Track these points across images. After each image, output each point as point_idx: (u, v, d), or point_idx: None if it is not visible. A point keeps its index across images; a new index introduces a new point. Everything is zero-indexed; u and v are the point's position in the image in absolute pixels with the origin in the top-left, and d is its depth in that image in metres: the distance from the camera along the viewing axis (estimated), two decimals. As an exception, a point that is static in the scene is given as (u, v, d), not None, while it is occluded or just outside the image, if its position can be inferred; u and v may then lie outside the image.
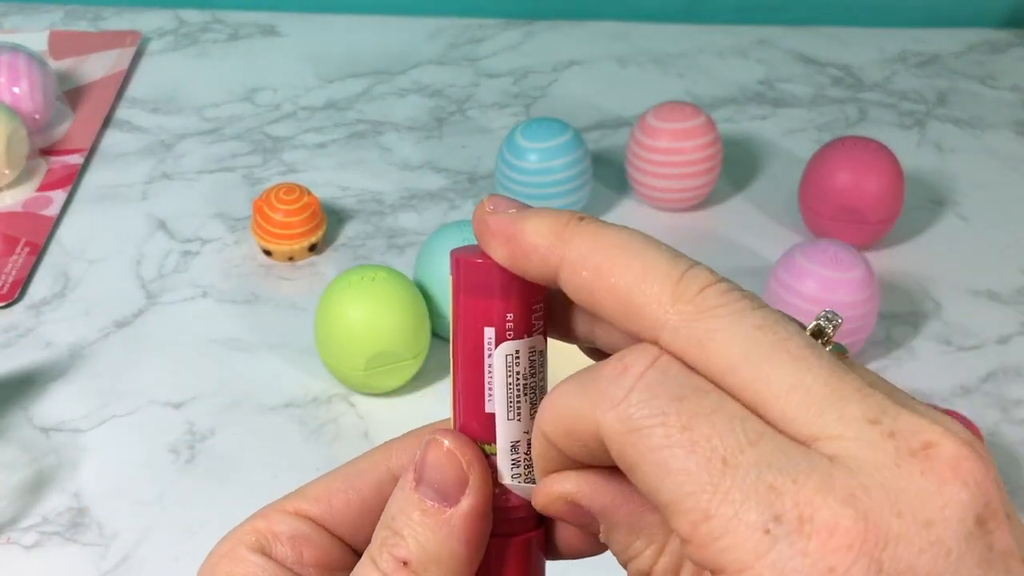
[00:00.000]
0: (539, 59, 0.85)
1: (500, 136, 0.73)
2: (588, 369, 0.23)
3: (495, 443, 0.25)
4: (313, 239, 0.65)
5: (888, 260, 0.66)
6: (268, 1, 0.90)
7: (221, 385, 0.58)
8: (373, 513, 0.27)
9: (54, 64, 0.82)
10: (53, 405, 0.57)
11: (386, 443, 0.28)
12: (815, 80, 0.83)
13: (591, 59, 0.85)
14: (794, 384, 0.20)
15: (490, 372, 0.25)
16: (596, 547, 0.27)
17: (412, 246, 0.67)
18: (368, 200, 0.71)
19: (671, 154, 0.66)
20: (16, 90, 0.73)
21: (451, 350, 0.25)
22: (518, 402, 0.25)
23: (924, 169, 0.73)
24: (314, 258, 0.66)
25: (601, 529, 0.25)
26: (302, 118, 0.78)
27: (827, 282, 0.56)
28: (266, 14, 0.89)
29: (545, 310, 0.25)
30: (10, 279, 0.64)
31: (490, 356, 0.25)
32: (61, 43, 0.85)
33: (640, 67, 0.84)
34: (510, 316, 0.24)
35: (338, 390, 0.58)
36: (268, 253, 0.66)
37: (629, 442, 0.21)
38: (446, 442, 0.25)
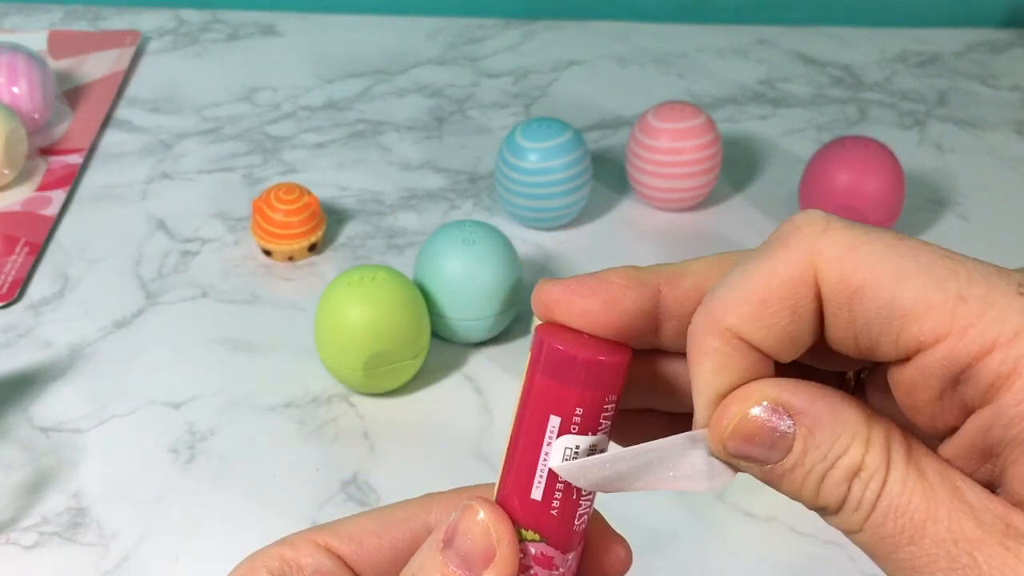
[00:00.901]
0: (539, 59, 0.85)
1: (500, 136, 0.73)
2: (754, 251, 0.23)
3: (531, 530, 0.25)
4: (313, 239, 0.65)
5: (888, 260, 0.66)
6: (268, 1, 0.90)
7: (221, 385, 0.58)
8: (401, 562, 0.27)
9: (53, 64, 0.82)
10: (53, 405, 0.57)
11: (429, 495, 0.28)
12: (815, 80, 0.83)
13: (591, 59, 0.85)
14: None
15: (545, 460, 0.24)
16: None
17: (412, 246, 0.67)
18: (368, 200, 0.71)
19: (671, 154, 0.66)
20: (15, 90, 0.73)
21: (513, 419, 0.25)
22: (566, 494, 0.25)
23: (924, 169, 0.73)
24: (314, 258, 0.66)
25: (798, 434, 0.22)
26: (302, 118, 0.78)
27: (827, 282, 0.55)
28: (266, 14, 0.89)
29: (616, 411, 0.25)
30: (9, 279, 0.64)
31: (549, 444, 0.24)
32: (60, 43, 0.85)
33: (640, 67, 0.84)
34: (579, 411, 0.24)
35: (338, 390, 0.58)
36: (268, 253, 0.66)
37: (852, 262, 0.22)
38: (482, 512, 0.25)
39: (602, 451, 0.25)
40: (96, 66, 0.82)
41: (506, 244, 0.59)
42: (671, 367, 0.27)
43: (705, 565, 0.49)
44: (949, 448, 0.23)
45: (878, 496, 0.22)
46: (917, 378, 0.22)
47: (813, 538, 0.51)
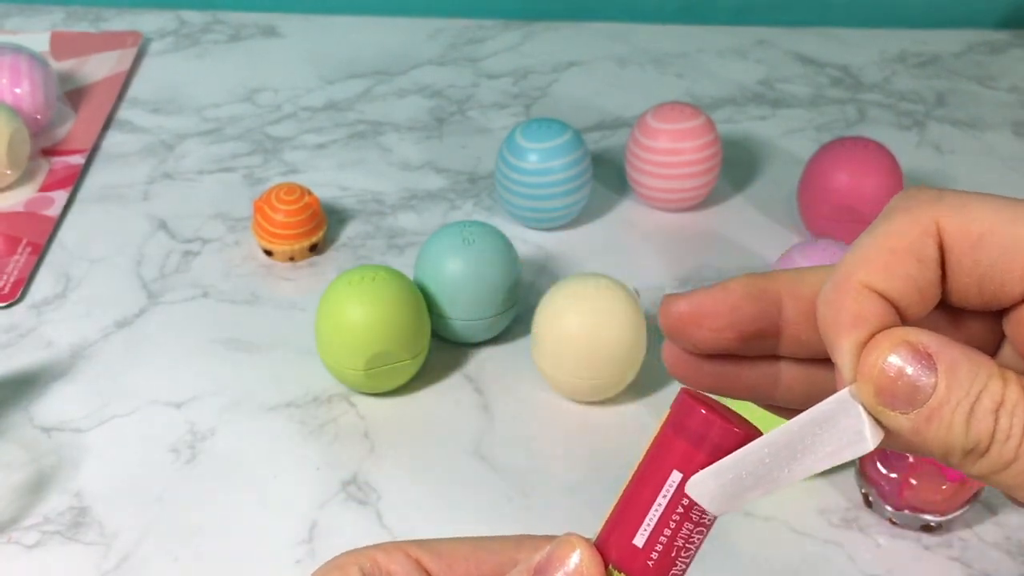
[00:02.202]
0: (539, 60, 0.85)
1: (500, 136, 0.73)
2: (874, 222, 0.25)
3: (623, 572, 0.25)
4: (314, 239, 0.66)
5: (887, 260, 0.66)
6: (269, 2, 0.90)
7: (222, 385, 0.58)
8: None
9: (55, 65, 0.82)
10: (54, 405, 0.57)
11: (525, 534, 0.29)
12: (814, 80, 0.83)
13: (591, 60, 0.85)
14: None
15: (657, 510, 0.25)
16: None
17: (412, 246, 0.67)
18: (368, 200, 0.71)
19: (671, 154, 0.66)
20: (18, 91, 0.73)
21: (636, 467, 0.26)
22: (666, 549, 0.25)
23: (923, 169, 0.73)
24: (314, 258, 0.66)
25: (941, 372, 0.23)
26: (302, 118, 0.79)
27: (826, 282, 0.56)
28: (267, 15, 0.90)
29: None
30: (12, 279, 0.64)
31: (666, 497, 0.25)
32: (62, 44, 0.85)
33: (640, 67, 0.84)
34: (700, 474, 0.25)
35: (338, 390, 0.58)
36: (269, 253, 0.66)
37: (970, 213, 0.24)
38: (579, 550, 0.25)
39: (711, 520, 0.26)
40: (98, 67, 0.83)
41: (506, 244, 0.59)
42: (791, 373, 0.28)
43: (704, 564, 0.49)
44: None
45: None
46: None
47: (813, 538, 0.51)
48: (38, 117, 0.75)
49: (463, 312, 0.58)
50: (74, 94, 0.80)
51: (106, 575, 0.49)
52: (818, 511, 0.52)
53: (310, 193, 0.65)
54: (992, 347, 0.27)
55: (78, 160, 0.74)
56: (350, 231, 0.69)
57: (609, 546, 0.26)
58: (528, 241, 0.67)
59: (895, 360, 0.23)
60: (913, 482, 0.49)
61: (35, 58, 0.75)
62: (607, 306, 0.54)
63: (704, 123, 0.67)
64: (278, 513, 0.52)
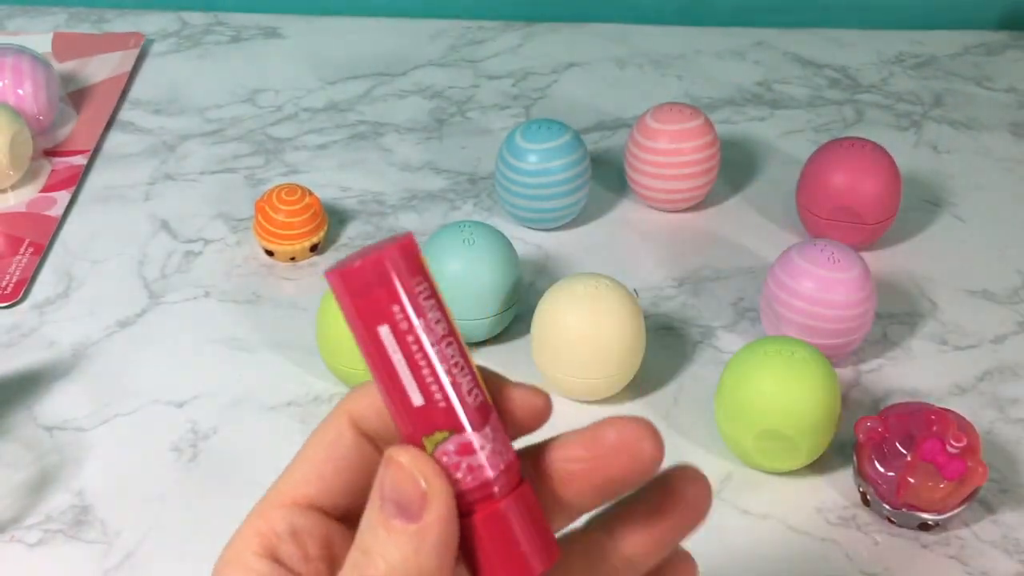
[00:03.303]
0: (539, 61, 0.85)
1: (500, 137, 0.73)
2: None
3: (435, 432, 0.25)
4: (315, 239, 0.66)
5: (885, 260, 0.66)
6: (270, 3, 0.90)
7: (223, 384, 0.59)
8: (360, 476, 0.27)
9: (58, 66, 0.82)
10: (56, 404, 0.57)
11: (339, 405, 0.28)
12: (812, 81, 0.83)
13: (590, 61, 0.85)
14: None
15: (402, 367, 0.25)
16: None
17: (413, 246, 0.67)
18: (369, 201, 0.71)
19: (670, 155, 0.66)
20: (20, 92, 0.74)
21: (364, 362, 0.25)
22: (441, 383, 0.25)
23: (921, 170, 0.74)
24: (316, 258, 0.67)
25: None
26: (303, 119, 0.79)
27: (824, 282, 0.56)
28: (268, 16, 0.90)
29: (431, 286, 0.25)
30: (14, 279, 0.65)
31: (395, 351, 0.25)
32: (65, 45, 0.85)
33: (639, 69, 0.85)
34: (395, 307, 0.25)
35: (339, 389, 0.58)
36: (270, 253, 0.66)
37: None
38: (402, 460, 0.25)
39: (436, 322, 0.25)
40: (100, 68, 0.83)
41: (506, 244, 0.60)
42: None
43: (702, 563, 0.49)
44: None
45: None
46: None
47: (810, 536, 0.51)
48: (40, 118, 0.75)
49: (463, 312, 0.58)
50: (76, 95, 0.80)
51: (108, 574, 0.49)
52: (816, 509, 0.52)
53: (311, 193, 0.65)
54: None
55: (80, 161, 0.74)
56: (351, 231, 0.69)
57: (407, 428, 0.25)
58: (528, 241, 0.68)
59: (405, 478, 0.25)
60: (911, 480, 0.49)
61: (37, 59, 0.76)
62: (607, 306, 0.54)
63: (703, 124, 0.67)
64: (279, 511, 0.52)
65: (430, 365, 0.25)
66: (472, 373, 0.26)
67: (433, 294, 0.25)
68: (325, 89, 0.82)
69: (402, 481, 0.25)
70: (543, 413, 0.28)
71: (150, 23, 0.89)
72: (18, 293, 0.64)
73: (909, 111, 0.80)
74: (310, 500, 0.27)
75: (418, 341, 0.25)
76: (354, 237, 0.68)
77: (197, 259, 0.67)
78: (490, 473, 0.25)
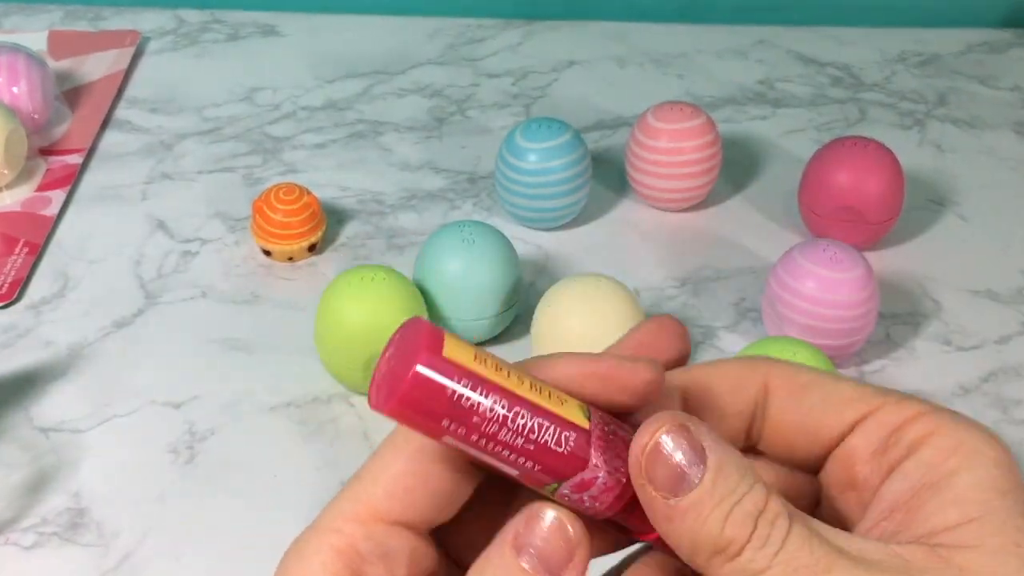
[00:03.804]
0: (539, 59, 0.85)
1: (500, 136, 0.73)
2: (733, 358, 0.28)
3: (551, 483, 0.25)
4: (313, 239, 0.65)
5: (888, 260, 0.66)
6: (268, 1, 0.90)
7: (221, 385, 0.58)
8: (448, 486, 0.26)
9: (53, 64, 0.82)
10: (53, 405, 0.57)
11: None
12: (815, 80, 0.83)
13: (590, 59, 0.85)
14: None
15: (479, 457, 0.25)
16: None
17: (412, 246, 0.67)
18: (368, 200, 0.71)
19: (671, 154, 0.66)
20: (15, 90, 0.73)
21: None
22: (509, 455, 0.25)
23: (924, 169, 0.73)
24: (314, 258, 0.66)
25: (709, 465, 0.24)
26: (302, 118, 0.78)
27: (826, 282, 0.56)
28: (266, 14, 0.89)
29: (469, 372, 0.25)
30: (9, 279, 0.64)
31: (468, 451, 0.25)
32: (60, 43, 0.85)
33: (639, 67, 0.84)
34: (445, 423, 0.24)
35: (338, 390, 0.58)
36: (268, 253, 0.66)
37: (799, 370, 0.27)
38: (549, 516, 0.24)
39: (502, 396, 0.25)
40: (96, 66, 0.82)
41: (506, 244, 0.59)
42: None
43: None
44: (872, 511, 0.25)
45: (785, 537, 0.23)
46: (855, 446, 0.26)
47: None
48: (35, 116, 0.74)
49: (463, 312, 0.58)
50: (72, 93, 0.80)
51: (105, 575, 0.49)
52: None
53: (309, 193, 0.65)
54: (810, 507, 0.28)
55: (76, 160, 0.74)
56: (349, 231, 0.68)
57: (526, 486, 0.25)
58: (528, 241, 0.67)
59: (667, 441, 0.24)
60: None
61: (33, 57, 0.75)
62: (607, 306, 0.54)
63: (704, 123, 0.66)
64: (278, 513, 0.51)
65: (505, 449, 0.25)
66: (554, 420, 0.25)
67: (477, 382, 0.25)
68: (323, 88, 0.82)
69: (553, 538, 0.24)
70: (650, 383, 0.26)
71: (147, 21, 0.88)
72: (13, 293, 0.63)
73: (912, 110, 0.79)
74: (396, 517, 0.26)
75: (482, 438, 0.24)
76: (352, 237, 0.68)
77: (194, 259, 0.66)
78: (614, 489, 0.25)
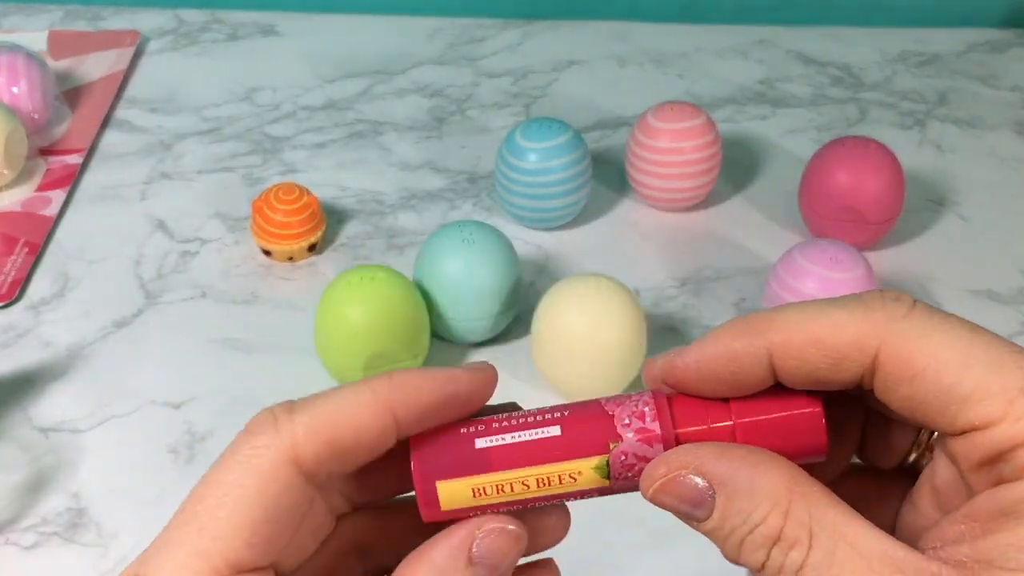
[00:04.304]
0: (539, 59, 0.85)
1: (500, 136, 0.73)
2: (837, 299, 0.25)
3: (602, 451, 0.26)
4: (313, 239, 0.65)
5: (888, 260, 0.66)
6: (267, 1, 0.90)
7: (220, 385, 0.58)
8: (308, 521, 0.27)
9: (53, 64, 0.82)
10: (52, 405, 0.57)
11: (270, 447, 0.26)
12: (815, 80, 0.83)
13: (591, 59, 0.85)
14: None
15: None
16: None
17: (412, 246, 0.67)
18: (368, 200, 0.71)
19: (671, 154, 0.66)
20: (15, 90, 0.73)
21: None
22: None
23: (924, 169, 0.73)
24: (314, 258, 0.66)
25: (718, 500, 0.25)
26: (301, 118, 0.78)
27: (827, 282, 0.55)
28: (265, 14, 0.89)
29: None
30: (9, 279, 0.64)
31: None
32: (60, 43, 0.85)
33: (640, 67, 0.84)
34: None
35: (338, 390, 0.57)
36: (267, 253, 0.65)
37: (920, 346, 0.24)
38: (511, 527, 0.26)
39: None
40: (96, 66, 0.82)
41: (506, 244, 0.59)
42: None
43: (704, 564, 0.48)
44: (964, 508, 0.24)
45: (801, 565, 0.23)
46: (962, 450, 0.24)
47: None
48: (35, 116, 0.74)
49: (463, 312, 0.58)
50: (72, 93, 0.80)
51: (104, 575, 0.49)
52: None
53: (309, 193, 0.65)
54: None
55: (76, 160, 0.74)
56: (349, 231, 0.68)
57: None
58: (528, 241, 0.67)
59: (681, 478, 0.25)
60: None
61: (32, 57, 0.75)
62: (607, 306, 0.54)
63: (704, 122, 0.66)
64: (277, 514, 0.51)
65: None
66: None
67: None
68: (323, 87, 0.81)
69: (504, 544, 0.26)
70: (560, 532, 0.28)
71: (146, 21, 0.88)
72: (13, 293, 0.63)
73: (913, 110, 0.79)
74: (255, 563, 0.25)
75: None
76: (352, 237, 0.68)
77: (194, 259, 0.66)
78: (657, 440, 0.26)
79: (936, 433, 0.26)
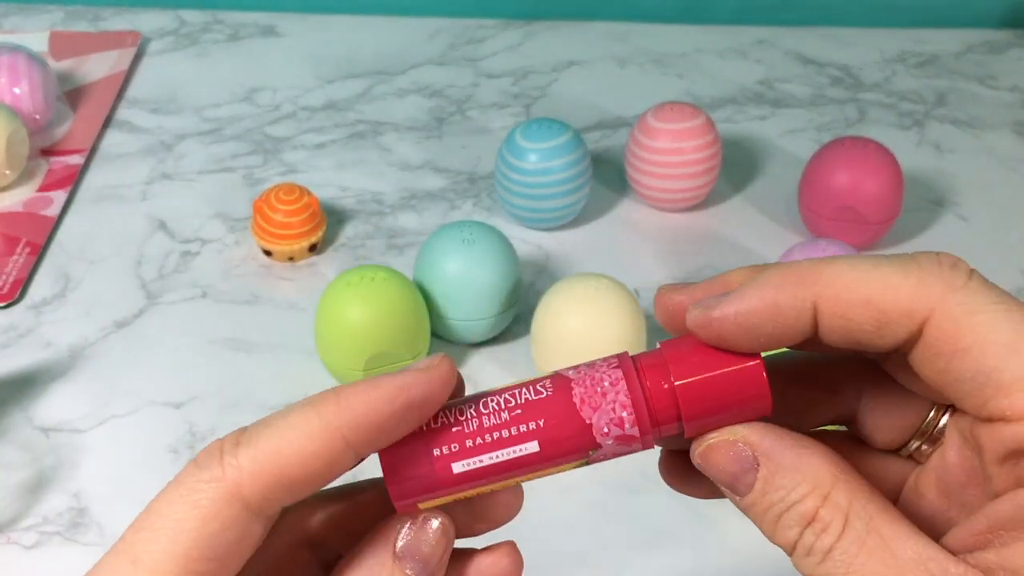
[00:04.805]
0: (539, 59, 0.85)
1: (500, 136, 0.73)
2: (889, 258, 0.24)
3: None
4: (313, 239, 0.66)
5: (887, 260, 0.66)
6: (268, 1, 0.90)
7: (221, 385, 0.58)
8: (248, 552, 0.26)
9: (54, 64, 0.82)
10: (53, 405, 0.57)
11: (213, 481, 0.24)
12: (814, 80, 0.83)
13: (591, 59, 0.85)
14: None
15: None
16: None
17: (412, 246, 0.67)
18: (368, 200, 0.71)
19: (671, 154, 0.66)
20: (16, 91, 0.73)
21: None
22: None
23: (923, 169, 0.73)
24: (314, 258, 0.66)
25: (760, 474, 0.25)
26: (302, 118, 0.78)
27: (826, 282, 0.55)
28: (266, 14, 0.89)
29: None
30: (10, 279, 0.64)
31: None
32: (61, 43, 0.85)
33: (640, 67, 0.84)
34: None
35: (338, 390, 0.58)
36: (268, 253, 0.66)
37: (969, 323, 0.23)
38: (437, 519, 0.26)
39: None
40: (97, 67, 0.82)
41: (506, 244, 0.59)
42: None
43: (705, 564, 0.49)
44: (988, 510, 0.24)
45: (830, 549, 0.23)
46: (988, 438, 0.23)
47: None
48: (37, 117, 0.74)
49: (463, 312, 0.58)
50: (73, 94, 0.80)
51: (105, 576, 0.49)
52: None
53: (309, 193, 0.65)
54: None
55: (77, 160, 0.74)
56: (349, 231, 0.68)
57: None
58: (528, 241, 0.67)
59: (727, 446, 0.25)
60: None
61: (34, 58, 0.75)
62: (607, 306, 0.54)
63: (704, 123, 0.67)
64: (278, 514, 0.52)
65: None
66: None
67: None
68: (324, 88, 0.82)
69: (437, 543, 0.26)
70: (515, 506, 0.28)
71: (147, 21, 0.88)
72: (14, 293, 0.63)
73: (912, 110, 0.79)
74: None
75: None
76: (353, 237, 0.68)
77: (195, 259, 0.66)
78: (636, 436, 0.26)
79: (945, 422, 0.26)
